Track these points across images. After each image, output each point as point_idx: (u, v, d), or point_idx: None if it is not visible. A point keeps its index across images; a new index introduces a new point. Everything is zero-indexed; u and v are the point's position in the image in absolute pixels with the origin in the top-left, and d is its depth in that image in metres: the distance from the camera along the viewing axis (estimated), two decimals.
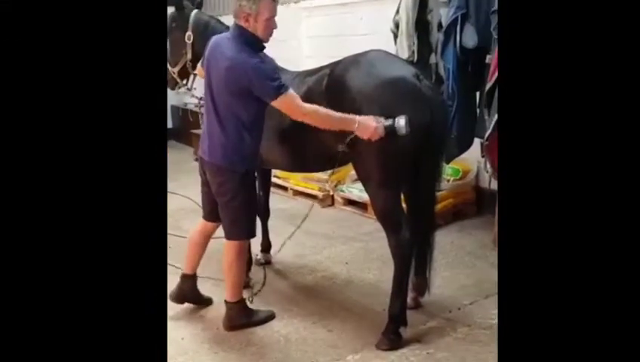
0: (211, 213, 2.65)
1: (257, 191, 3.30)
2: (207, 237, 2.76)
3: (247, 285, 3.07)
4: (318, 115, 2.27)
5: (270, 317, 2.75)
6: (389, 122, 2.20)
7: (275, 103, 2.28)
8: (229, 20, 2.81)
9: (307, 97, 2.56)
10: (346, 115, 2.24)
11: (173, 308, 2.87)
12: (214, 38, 2.46)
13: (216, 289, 3.00)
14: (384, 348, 2.44)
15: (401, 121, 2.18)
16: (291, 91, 2.28)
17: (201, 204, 2.76)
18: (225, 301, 2.68)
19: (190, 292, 2.84)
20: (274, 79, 2.25)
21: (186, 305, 2.90)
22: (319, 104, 2.41)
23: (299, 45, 5.64)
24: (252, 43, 2.32)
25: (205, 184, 2.59)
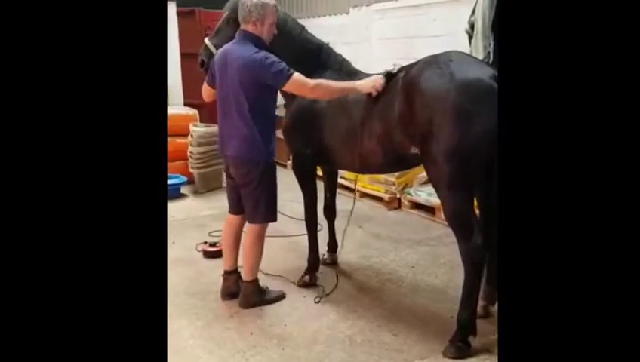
0: (236, 206, 2.89)
1: (325, 193, 3.35)
2: (235, 230, 2.95)
3: (314, 284, 3.13)
4: (322, 87, 2.58)
5: (280, 296, 2.96)
6: (385, 71, 2.55)
7: (287, 86, 2.54)
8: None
9: (383, 98, 2.55)
10: (346, 82, 2.65)
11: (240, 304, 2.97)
12: (224, 47, 2.69)
13: (285, 286, 3.09)
14: (451, 356, 2.38)
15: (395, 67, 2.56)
16: (296, 72, 2.53)
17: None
18: (242, 281, 2.90)
19: (234, 286, 2.99)
20: (281, 65, 2.52)
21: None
22: (394, 105, 2.41)
23: (370, 48, 5.64)
24: (258, 43, 2.60)
25: (230, 177, 2.83)
